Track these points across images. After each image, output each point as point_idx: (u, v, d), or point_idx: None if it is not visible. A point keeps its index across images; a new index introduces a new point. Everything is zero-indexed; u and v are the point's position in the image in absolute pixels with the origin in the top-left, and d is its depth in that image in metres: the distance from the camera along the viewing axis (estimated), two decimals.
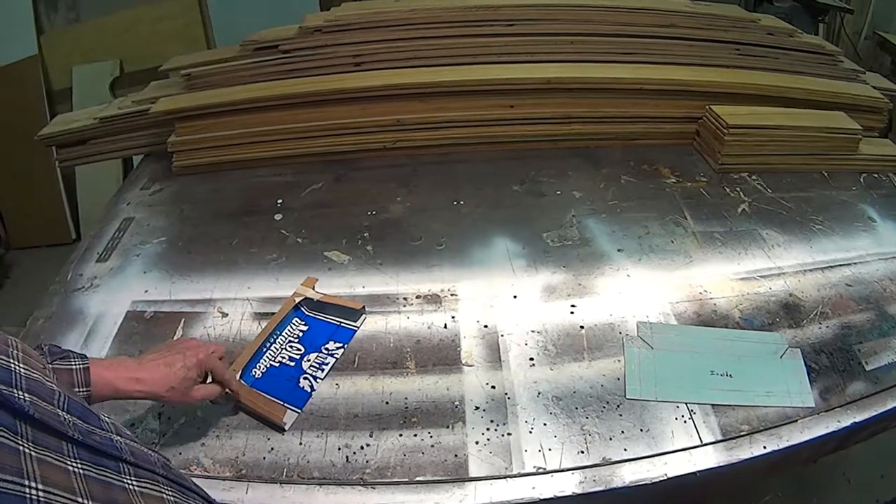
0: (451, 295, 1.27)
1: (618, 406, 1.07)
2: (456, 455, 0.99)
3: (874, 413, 1.10)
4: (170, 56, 1.97)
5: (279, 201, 1.55)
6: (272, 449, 1.00)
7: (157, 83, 1.85)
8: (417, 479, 0.96)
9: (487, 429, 1.03)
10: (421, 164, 1.69)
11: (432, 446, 1.00)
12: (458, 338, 1.18)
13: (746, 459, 1.01)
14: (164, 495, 0.61)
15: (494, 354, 1.15)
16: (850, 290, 1.33)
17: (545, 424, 1.04)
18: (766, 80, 1.83)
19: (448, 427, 1.03)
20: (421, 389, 1.08)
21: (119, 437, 0.61)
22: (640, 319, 1.24)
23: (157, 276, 1.34)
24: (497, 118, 1.69)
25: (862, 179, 1.71)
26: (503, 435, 1.02)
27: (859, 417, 1.09)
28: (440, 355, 1.15)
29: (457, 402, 1.06)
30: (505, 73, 1.67)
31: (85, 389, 0.85)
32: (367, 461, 0.98)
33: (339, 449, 1.00)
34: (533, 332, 1.20)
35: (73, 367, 0.86)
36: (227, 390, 1.01)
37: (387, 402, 1.06)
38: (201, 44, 2.85)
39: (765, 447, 1.03)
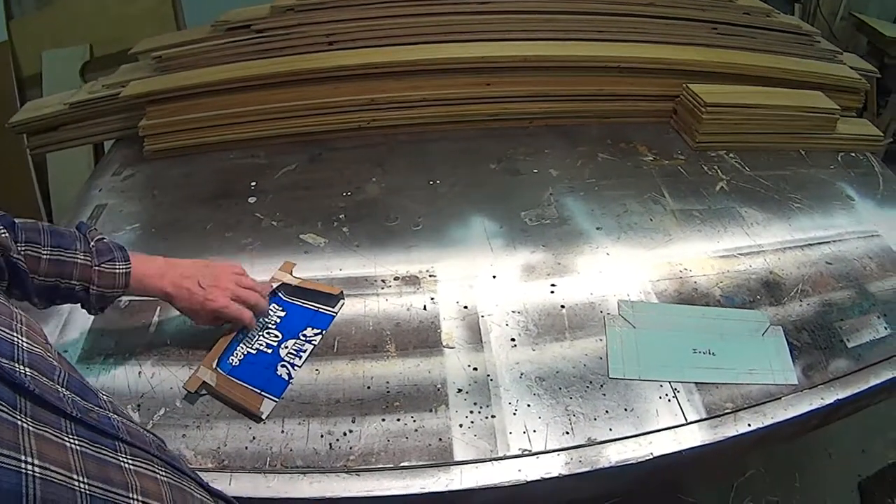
0: (430, 276, 1.26)
1: (601, 386, 1.08)
2: (440, 439, 0.98)
3: (857, 390, 1.11)
4: (140, 38, 1.91)
5: (253, 184, 1.52)
6: (254, 438, 0.99)
7: (127, 66, 1.81)
8: (402, 464, 0.96)
9: (471, 411, 1.02)
10: (396, 144, 1.67)
11: (416, 431, 0.99)
12: (437, 319, 1.17)
13: (731, 437, 1.02)
14: (158, 476, 0.61)
15: (475, 336, 1.14)
16: (830, 268, 1.34)
17: (529, 406, 1.04)
18: (744, 59, 1.84)
19: (431, 411, 1.02)
20: (402, 373, 1.08)
21: (116, 416, 0.61)
22: (621, 298, 1.23)
23: None
24: (473, 96, 1.67)
25: (840, 158, 1.72)
26: (487, 417, 1.01)
27: (842, 394, 1.10)
28: (420, 338, 1.14)
29: (439, 385, 1.06)
30: (480, 52, 1.64)
31: (121, 290, 0.99)
32: (350, 448, 0.97)
33: (322, 436, 0.99)
34: (513, 312, 1.19)
35: (117, 271, 0.98)
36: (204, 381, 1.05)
37: (368, 387, 1.05)
38: (172, 26, 2.78)
39: (749, 425, 1.03)
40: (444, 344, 1.13)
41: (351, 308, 1.19)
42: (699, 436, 1.02)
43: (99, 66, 2.62)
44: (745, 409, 1.06)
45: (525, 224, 1.40)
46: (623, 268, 1.31)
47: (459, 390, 1.05)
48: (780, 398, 1.08)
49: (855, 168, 1.69)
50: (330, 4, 1.70)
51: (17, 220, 0.91)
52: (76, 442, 0.52)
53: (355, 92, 1.62)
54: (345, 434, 0.99)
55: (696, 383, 1.09)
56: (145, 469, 0.59)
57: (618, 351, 1.14)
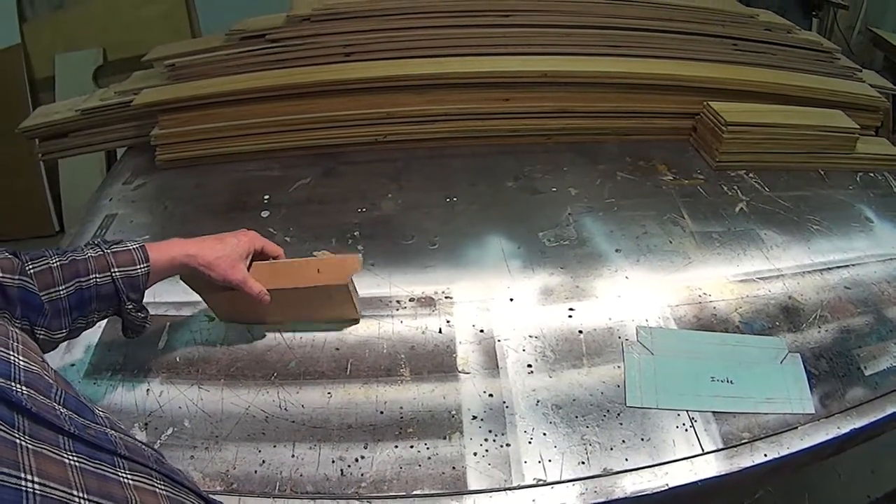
0: (446, 297, 1.23)
1: (618, 414, 1.05)
2: (454, 467, 0.96)
3: (873, 419, 1.09)
4: (154, 43, 1.91)
5: (266, 197, 1.51)
6: (263, 462, 0.97)
7: (140, 73, 1.80)
8: (415, 492, 0.93)
9: (486, 439, 1.00)
10: (412, 159, 1.65)
11: (429, 458, 0.97)
12: (453, 343, 1.14)
13: (748, 468, 1.00)
14: (158, 490, 0.61)
15: (492, 361, 1.11)
16: (849, 293, 1.31)
17: (545, 434, 1.01)
18: (764, 76, 1.81)
19: (445, 438, 1.00)
20: (416, 398, 1.05)
21: (113, 432, 0.61)
22: (640, 324, 1.20)
23: None
24: (492, 112, 1.65)
25: (858, 178, 1.69)
26: (502, 446, 0.99)
27: (858, 423, 1.08)
28: (435, 362, 1.11)
29: (454, 412, 1.03)
30: (500, 66, 1.63)
31: (145, 265, 0.93)
32: (362, 474, 0.95)
33: (333, 461, 0.96)
34: (531, 336, 1.16)
35: (131, 247, 0.94)
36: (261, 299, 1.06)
37: (381, 412, 1.03)
38: (186, 30, 2.79)
39: (765, 455, 1.01)
40: (460, 369, 1.10)
41: (365, 329, 1.17)
42: (715, 466, 1.00)
43: (112, 69, 2.64)
44: (762, 438, 1.04)
45: (543, 245, 1.37)
46: (642, 292, 1.28)
47: (474, 417, 1.03)
48: (796, 427, 1.06)
49: (874, 188, 1.66)
50: (347, 15, 1.69)
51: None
52: (75, 458, 0.53)
53: (371, 105, 1.60)
54: (357, 460, 0.97)
55: (714, 412, 1.07)
56: (144, 483, 0.60)
57: (636, 379, 1.12)
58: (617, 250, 1.37)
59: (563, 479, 0.96)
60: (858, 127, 1.70)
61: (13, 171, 2.74)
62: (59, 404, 0.57)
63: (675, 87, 1.73)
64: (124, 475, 0.58)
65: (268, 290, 1.07)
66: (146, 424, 1.02)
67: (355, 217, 1.44)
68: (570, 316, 1.21)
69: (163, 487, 0.62)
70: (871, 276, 1.36)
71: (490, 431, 1.01)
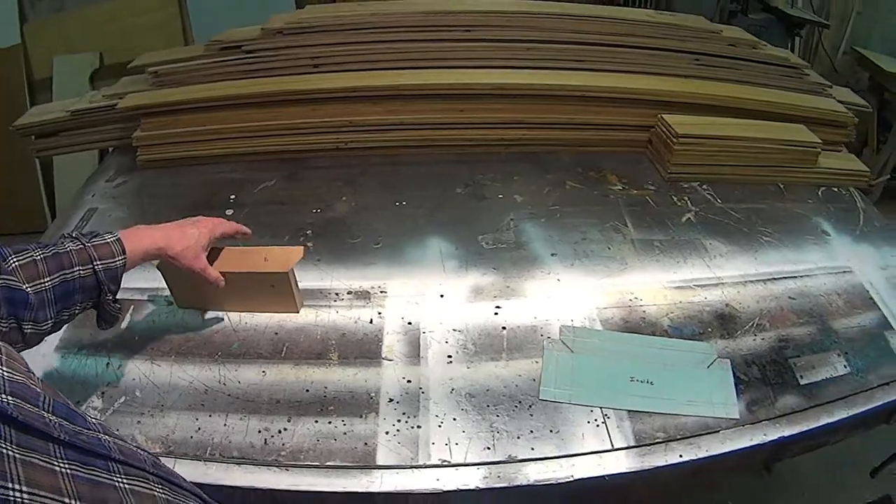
0: (381, 292, 1.33)
1: (530, 406, 1.12)
2: (366, 443, 1.06)
3: (805, 428, 1.12)
4: (149, 50, 2.04)
5: (232, 197, 1.62)
6: (199, 429, 1.08)
7: (128, 79, 1.92)
8: (328, 464, 1.03)
9: (399, 420, 1.09)
10: (371, 165, 1.74)
11: (345, 434, 1.07)
12: (381, 333, 1.24)
13: (661, 467, 1.04)
14: (155, 493, 0.62)
15: (414, 350, 1.21)
16: (793, 303, 1.34)
17: (455, 419, 1.09)
18: (724, 90, 1.85)
19: (361, 416, 1.10)
20: (340, 380, 1.16)
21: (107, 437, 0.62)
22: (565, 324, 1.26)
23: None
24: (447, 121, 1.75)
25: (820, 193, 1.72)
26: (413, 427, 1.08)
27: (788, 432, 1.11)
28: (363, 349, 1.21)
29: (372, 394, 1.13)
30: (454, 78, 1.73)
31: (121, 258, 0.98)
32: (283, 444, 1.06)
33: (259, 432, 1.07)
34: (455, 330, 1.25)
35: (108, 240, 0.98)
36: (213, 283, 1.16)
37: (307, 390, 1.14)
38: (179, 38, 2.92)
39: (681, 456, 1.05)
40: (384, 356, 1.20)
41: (304, 318, 1.28)
42: (625, 463, 1.04)
43: (108, 73, 2.75)
44: (678, 440, 1.07)
45: (481, 247, 1.46)
46: (571, 294, 1.34)
47: (391, 400, 1.13)
48: (717, 431, 1.09)
49: (835, 203, 1.68)
50: (317, 29, 1.81)
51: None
52: (66, 465, 0.53)
53: (333, 114, 1.71)
54: (280, 432, 1.08)
55: (629, 411, 1.12)
56: (141, 487, 0.61)
57: (552, 374, 1.17)
58: (553, 254, 1.44)
59: (467, 461, 1.04)
60: (820, 141, 1.73)
61: (10, 168, 2.86)
62: (48, 412, 0.56)
63: (631, 100, 1.80)
64: (119, 480, 0.58)
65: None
66: (103, 393, 1.14)
67: (310, 217, 1.55)
68: (496, 313, 1.29)
69: (161, 490, 0.63)
70: (821, 288, 1.39)
71: (404, 414, 1.11)
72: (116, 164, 1.79)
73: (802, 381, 1.19)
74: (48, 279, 0.88)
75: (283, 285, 1.23)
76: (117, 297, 1.02)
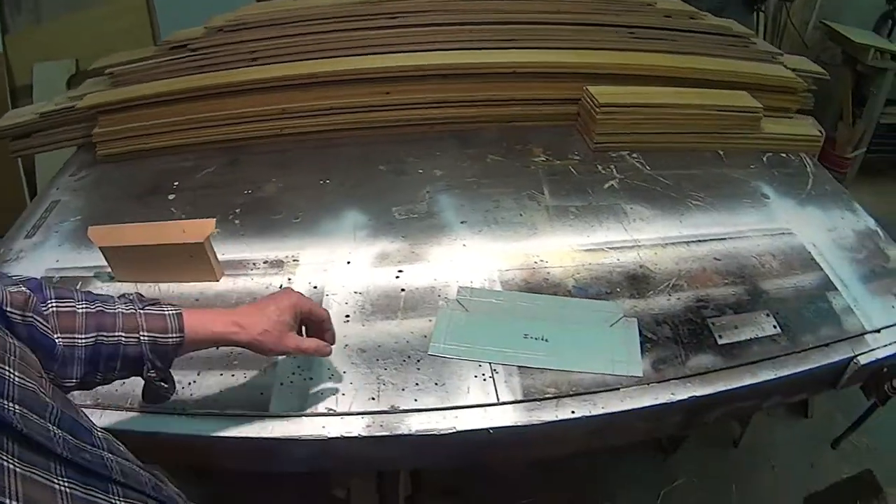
0: (294, 261, 1.45)
1: (418, 361, 1.18)
2: (262, 393, 1.14)
3: (721, 388, 1.12)
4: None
5: (175, 183, 1.75)
6: (123, 383, 1.15)
7: (91, 81, 2.09)
8: (227, 411, 1.13)
9: (293, 373, 1.18)
10: (305, 150, 1.86)
11: (244, 385, 1.18)
12: None
13: (551, 422, 1.07)
14: None
15: None
16: (717, 264, 1.37)
17: (344, 372, 1.17)
18: (657, 60, 1.90)
19: (261, 370, 1.20)
20: None
21: (110, 455, 0.60)
22: (464, 285, 1.33)
23: (68, 247, 1.56)
24: (374, 104, 1.85)
25: (765, 159, 1.74)
26: (305, 379, 1.16)
27: (701, 391, 1.11)
28: None
29: None
30: (378, 63, 1.84)
31: (178, 335, 0.87)
32: (191, 394, 1.17)
33: None
34: (356, 293, 1.35)
35: (166, 312, 0.88)
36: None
37: (217, 348, 1.25)
38: (149, 41, 3.07)
39: (573, 412, 1.08)
40: None
41: (223, 285, 1.41)
42: (512, 416, 1.08)
43: (84, 78, 2.87)
44: (571, 396, 1.10)
45: (393, 218, 1.56)
46: (475, 258, 1.41)
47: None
48: (617, 389, 1.11)
49: (781, 168, 1.70)
50: (254, 25, 1.95)
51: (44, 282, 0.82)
52: (65, 484, 0.52)
53: (271, 102, 1.84)
54: (190, 384, 1.19)
55: (519, 367, 1.15)
56: None
57: (443, 331, 1.22)
58: (462, 222, 1.53)
59: (352, 411, 1.10)
60: (761, 107, 1.76)
61: None
62: (53, 424, 0.55)
63: (558, 73, 1.88)
64: (118, 502, 0.58)
65: (136, 246, 1.35)
66: None
67: (241, 198, 1.67)
68: (397, 277, 1.39)
69: None
70: (753, 249, 1.41)
71: (299, 367, 1.20)
72: (79, 160, 1.94)
73: (721, 341, 1.19)
74: (83, 336, 0.80)
75: (201, 254, 1.37)
76: (174, 380, 0.95)
